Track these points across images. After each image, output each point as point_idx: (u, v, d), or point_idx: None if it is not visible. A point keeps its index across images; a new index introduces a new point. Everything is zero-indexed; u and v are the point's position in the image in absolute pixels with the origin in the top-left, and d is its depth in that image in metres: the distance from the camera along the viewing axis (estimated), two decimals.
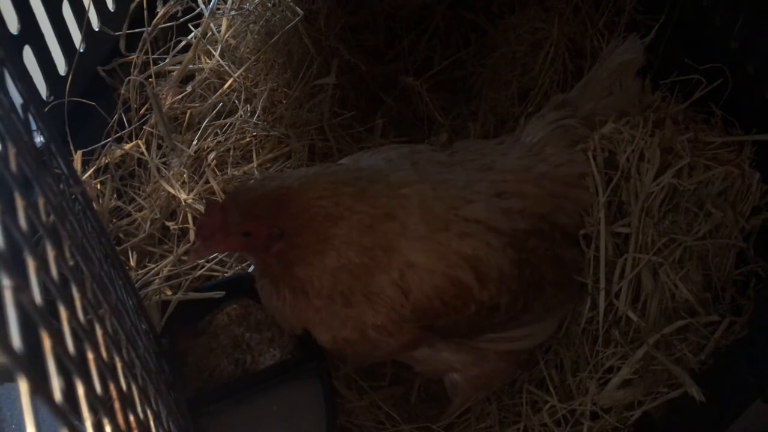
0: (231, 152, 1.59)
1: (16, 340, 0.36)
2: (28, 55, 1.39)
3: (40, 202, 0.60)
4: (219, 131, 1.63)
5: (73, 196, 0.89)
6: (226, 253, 1.41)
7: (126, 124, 1.63)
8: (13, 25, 1.33)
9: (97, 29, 1.61)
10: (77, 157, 1.48)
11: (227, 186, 1.51)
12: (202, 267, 1.41)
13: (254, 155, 1.58)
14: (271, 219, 1.06)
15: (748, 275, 1.19)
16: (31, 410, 0.36)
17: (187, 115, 1.65)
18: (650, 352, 1.11)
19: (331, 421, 1.18)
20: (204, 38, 1.73)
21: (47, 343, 0.43)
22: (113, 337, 0.72)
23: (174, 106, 1.66)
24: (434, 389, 1.37)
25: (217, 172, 1.55)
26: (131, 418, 0.63)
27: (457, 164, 1.20)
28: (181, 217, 1.49)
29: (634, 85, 1.29)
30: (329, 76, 1.62)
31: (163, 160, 1.58)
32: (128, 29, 1.71)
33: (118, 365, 0.70)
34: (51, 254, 0.54)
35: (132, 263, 1.43)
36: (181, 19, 1.76)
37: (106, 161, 1.55)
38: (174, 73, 1.70)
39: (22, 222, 0.48)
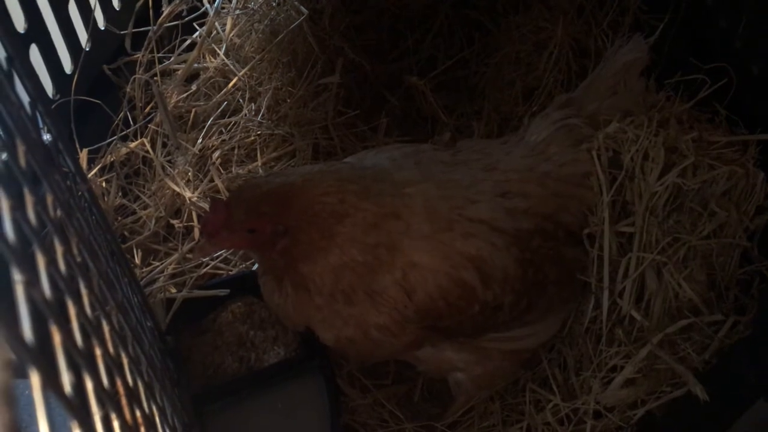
0: (235, 151, 1.59)
1: (28, 333, 0.36)
2: (35, 54, 1.39)
3: (49, 198, 0.60)
4: (224, 130, 1.63)
5: (80, 193, 0.89)
6: (230, 251, 1.42)
7: (131, 123, 1.64)
8: (20, 24, 1.33)
9: (102, 28, 1.62)
10: (83, 155, 1.49)
11: (232, 184, 1.52)
12: (207, 265, 1.41)
13: (259, 154, 1.59)
14: (276, 216, 1.06)
15: (752, 275, 1.19)
16: (43, 404, 0.36)
17: (192, 114, 1.66)
18: (654, 352, 1.11)
19: (335, 420, 1.18)
20: (209, 37, 1.73)
21: (57, 337, 0.43)
22: (119, 333, 0.73)
23: (179, 105, 1.67)
24: (437, 388, 1.37)
25: (222, 171, 1.56)
26: (137, 413, 0.64)
27: (461, 164, 1.20)
28: (185, 215, 1.50)
29: (638, 84, 1.29)
30: (333, 75, 1.62)
31: (168, 158, 1.59)
32: (134, 28, 1.71)
33: (125, 361, 0.70)
34: (59, 250, 0.55)
35: (137, 261, 1.43)
36: (186, 18, 1.76)
37: (112, 159, 1.56)
38: (179, 72, 1.71)
39: (32, 217, 0.48)
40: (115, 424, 0.54)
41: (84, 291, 0.60)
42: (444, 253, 1.09)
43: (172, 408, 0.96)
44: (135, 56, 1.69)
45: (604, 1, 1.68)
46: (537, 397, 1.25)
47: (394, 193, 1.10)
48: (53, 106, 1.45)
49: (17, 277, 0.39)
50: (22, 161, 0.53)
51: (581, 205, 1.21)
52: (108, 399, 0.52)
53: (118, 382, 0.60)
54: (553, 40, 1.62)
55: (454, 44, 1.83)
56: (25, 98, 0.76)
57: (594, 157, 1.21)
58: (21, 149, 0.54)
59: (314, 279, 1.09)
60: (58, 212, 0.63)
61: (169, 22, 1.74)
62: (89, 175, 1.50)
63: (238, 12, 1.74)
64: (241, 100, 1.67)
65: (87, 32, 1.55)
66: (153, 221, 1.49)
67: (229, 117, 1.66)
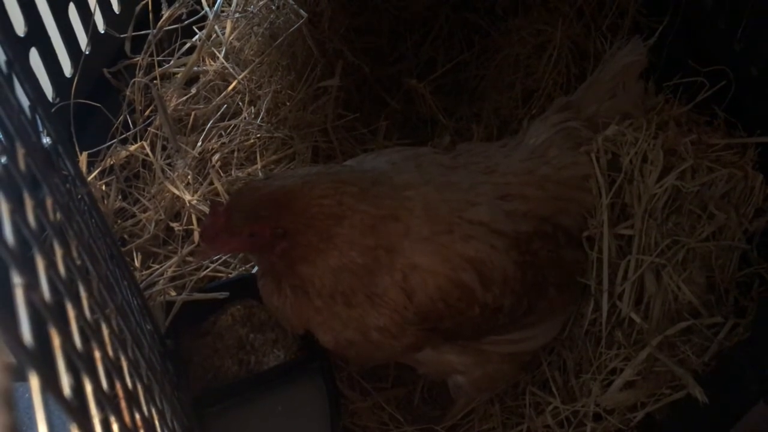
0: (235, 154, 1.60)
1: (27, 336, 0.36)
2: (35, 57, 1.40)
3: (48, 201, 0.60)
4: (223, 133, 1.64)
5: (80, 197, 0.89)
6: (230, 254, 1.42)
7: (131, 126, 1.64)
8: (20, 28, 1.34)
9: (102, 31, 1.62)
10: (83, 159, 1.49)
11: (231, 187, 1.52)
12: (207, 268, 1.41)
13: (258, 157, 1.59)
14: (275, 219, 1.06)
15: (752, 277, 1.19)
16: (42, 407, 0.36)
17: (192, 117, 1.66)
18: (653, 354, 1.11)
19: (335, 422, 1.18)
20: (208, 40, 1.73)
21: (57, 340, 0.43)
22: (119, 336, 0.73)
23: (179, 108, 1.67)
24: (437, 390, 1.37)
25: (222, 174, 1.56)
26: (137, 416, 0.64)
27: (461, 167, 1.20)
28: (185, 218, 1.50)
29: (637, 87, 1.29)
30: (333, 78, 1.63)
31: (168, 161, 1.59)
32: (133, 31, 1.71)
33: (124, 364, 0.70)
34: (59, 253, 0.55)
35: (137, 264, 1.43)
36: (186, 22, 1.76)
37: (111, 162, 1.56)
38: (179, 75, 1.71)
39: (32, 221, 0.48)
40: (115, 427, 0.54)
41: (83, 294, 0.60)
42: (444, 255, 1.09)
43: (172, 411, 0.95)
44: (135, 59, 1.69)
45: (604, 4, 1.69)
46: (537, 399, 1.25)
47: (393, 196, 1.10)
48: (53, 110, 1.45)
49: (17, 280, 0.39)
50: (22, 165, 0.53)
51: (580, 208, 1.22)
52: (107, 402, 0.52)
53: (118, 385, 0.60)
54: (552, 43, 1.62)
55: (454, 47, 1.84)
56: (25, 102, 0.76)
57: (593, 160, 1.21)
58: (21, 153, 0.54)
59: (313, 281, 1.09)
60: (58, 215, 0.63)
61: (169, 25, 1.74)
62: (89, 179, 1.50)
63: (237, 15, 1.75)
64: (240, 103, 1.67)
65: (87, 36, 1.56)
66: (153, 224, 1.49)
67: (228, 120, 1.66)
